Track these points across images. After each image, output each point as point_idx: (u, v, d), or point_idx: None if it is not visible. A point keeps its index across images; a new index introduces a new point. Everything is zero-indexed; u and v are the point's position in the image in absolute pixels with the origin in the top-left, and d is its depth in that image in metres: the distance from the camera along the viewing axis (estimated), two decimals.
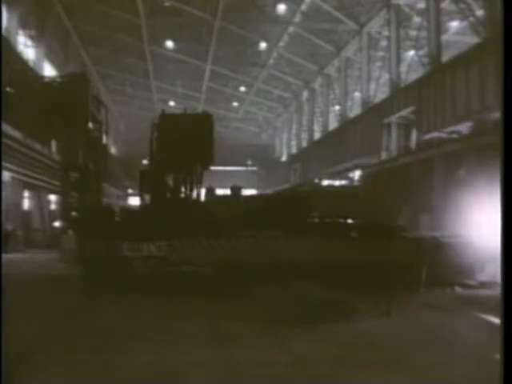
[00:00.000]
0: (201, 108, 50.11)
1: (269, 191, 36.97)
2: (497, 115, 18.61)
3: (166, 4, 34.43)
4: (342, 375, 6.26)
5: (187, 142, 15.51)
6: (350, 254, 12.08)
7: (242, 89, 54.31)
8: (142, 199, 16.21)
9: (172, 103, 56.14)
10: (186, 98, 54.64)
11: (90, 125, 31.08)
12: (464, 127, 21.46)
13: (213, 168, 16.93)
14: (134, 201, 53.40)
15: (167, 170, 16.09)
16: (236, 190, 16.87)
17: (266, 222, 13.14)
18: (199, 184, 16.07)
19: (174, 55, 43.66)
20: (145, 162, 59.44)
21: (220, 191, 19.20)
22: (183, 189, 15.84)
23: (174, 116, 17.56)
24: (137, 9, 34.34)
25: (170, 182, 16.07)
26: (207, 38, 39.44)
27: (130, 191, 59.73)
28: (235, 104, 60.27)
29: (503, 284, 4.00)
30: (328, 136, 42.86)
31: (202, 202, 16.22)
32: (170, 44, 41.78)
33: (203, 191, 16.88)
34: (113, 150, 58.21)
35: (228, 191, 17.20)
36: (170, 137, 15.90)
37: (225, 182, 18.34)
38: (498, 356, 6.68)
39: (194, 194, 15.90)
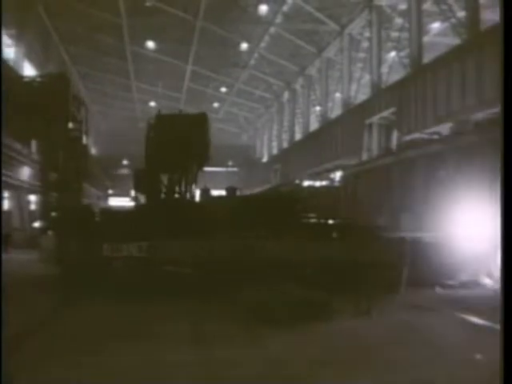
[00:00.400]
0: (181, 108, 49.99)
1: (255, 191, 36.98)
2: (476, 116, 18.77)
3: (148, 4, 34.27)
4: (322, 374, 6.25)
5: (183, 143, 15.53)
6: (330, 253, 12.10)
7: (223, 89, 54.28)
8: (137, 199, 16.18)
9: (152, 103, 55.92)
10: (167, 98, 54.56)
11: (70, 124, 31.01)
12: (444, 128, 21.58)
13: None
14: (114, 201, 53.50)
15: (163, 170, 16.11)
16: (231, 191, 16.97)
17: (252, 222, 13.12)
18: (194, 184, 16.11)
19: (155, 55, 43.45)
20: (125, 162, 59.26)
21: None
22: (178, 189, 15.87)
23: (169, 116, 17.58)
24: (118, 9, 34.16)
25: (165, 181, 16.07)
26: (188, 38, 39.28)
27: (110, 191, 59.65)
28: (216, 105, 60.08)
29: (503, 284, 4.01)
30: (309, 137, 42.89)
31: (196, 203, 16.20)
32: (150, 44, 41.56)
33: (198, 191, 16.90)
34: (93, 151, 57.91)
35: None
36: (165, 137, 15.94)
37: (205, 183, 18.29)
38: (478, 356, 6.74)
39: (189, 194, 15.93)
